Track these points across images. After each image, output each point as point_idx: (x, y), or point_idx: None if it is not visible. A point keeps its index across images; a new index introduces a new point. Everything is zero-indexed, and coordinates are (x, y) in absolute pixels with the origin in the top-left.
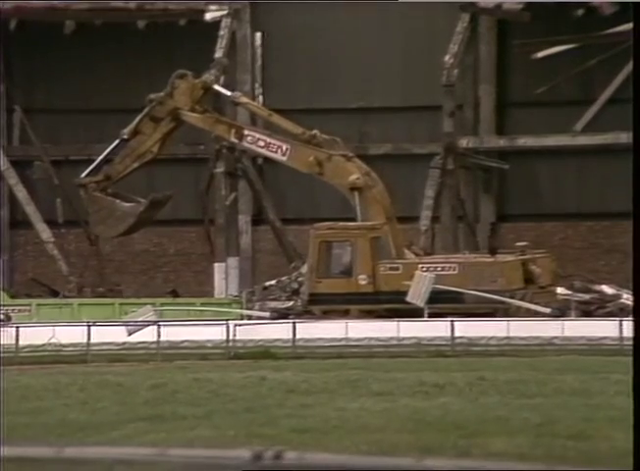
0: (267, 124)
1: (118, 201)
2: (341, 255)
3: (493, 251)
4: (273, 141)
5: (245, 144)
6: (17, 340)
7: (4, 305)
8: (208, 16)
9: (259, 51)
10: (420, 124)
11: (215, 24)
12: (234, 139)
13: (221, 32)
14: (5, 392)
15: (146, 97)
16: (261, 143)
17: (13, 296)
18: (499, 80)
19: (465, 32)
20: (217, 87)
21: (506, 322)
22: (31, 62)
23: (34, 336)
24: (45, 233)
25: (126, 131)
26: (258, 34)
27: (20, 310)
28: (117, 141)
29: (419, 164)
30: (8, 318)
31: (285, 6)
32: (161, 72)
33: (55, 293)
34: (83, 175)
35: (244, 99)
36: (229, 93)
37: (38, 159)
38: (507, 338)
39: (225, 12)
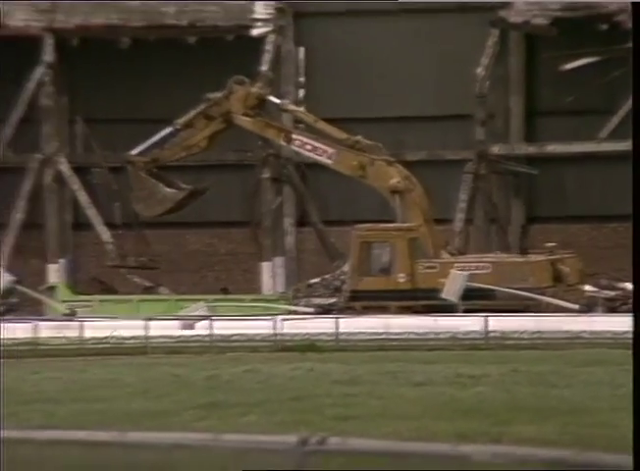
0: (313, 129)
1: (161, 185)
2: (380, 255)
3: (523, 251)
4: (319, 145)
5: (293, 147)
6: (82, 332)
7: (69, 301)
8: (255, 32)
9: (302, 64)
10: (454, 132)
11: (261, 39)
12: (282, 143)
13: (267, 47)
14: (72, 381)
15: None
16: (308, 147)
17: (77, 293)
18: (528, 91)
19: (496, 46)
20: (270, 97)
21: (536, 317)
22: (92, 76)
23: (98, 329)
24: (105, 234)
25: (179, 122)
26: (301, 49)
27: (84, 305)
28: (169, 129)
29: (453, 170)
30: (73, 313)
31: (326, 22)
32: (210, 84)
33: (114, 290)
34: (133, 153)
35: (292, 107)
36: (278, 101)
37: (98, 166)
38: (539, 332)
39: (270, 28)
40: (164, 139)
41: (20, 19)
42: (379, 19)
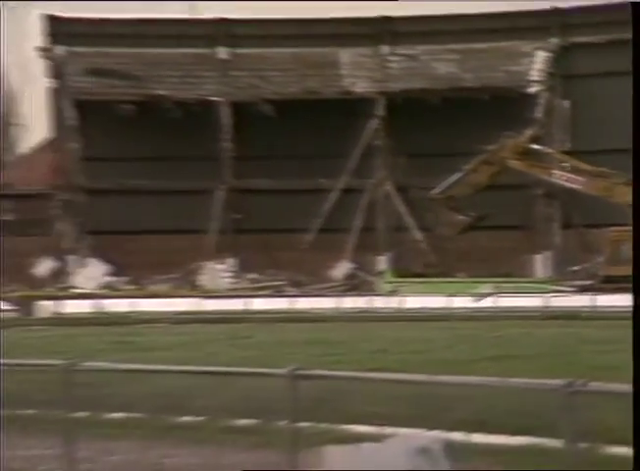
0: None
1: (455, 214)
2: (627, 249)
3: None
4: (573, 176)
5: (553, 179)
6: (402, 304)
7: (393, 282)
8: (531, 89)
9: (567, 113)
10: None
11: (535, 95)
12: (544, 177)
13: (540, 101)
14: (394, 339)
15: (483, 148)
16: (564, 178)
17: (398, 276)
18: None
19: None
20: (532, 146)
21: None
22: (410, 125)
23: (414, 302)
24: (418, 235)
25: (466, 168)
26: (567, 102)
27: (403, 285)
28: (460, 174)
29: None
30: (395, 290)
31: (586, 81)
32: (496, 127)
33: (424, 275)
34: (435, 192)
35: (550, 150)
36: (539, 147)
37: (414, 187)
38: None
39: (543, 87)
40: (456, 181)
41: (361, 86)
42: (627, 77)
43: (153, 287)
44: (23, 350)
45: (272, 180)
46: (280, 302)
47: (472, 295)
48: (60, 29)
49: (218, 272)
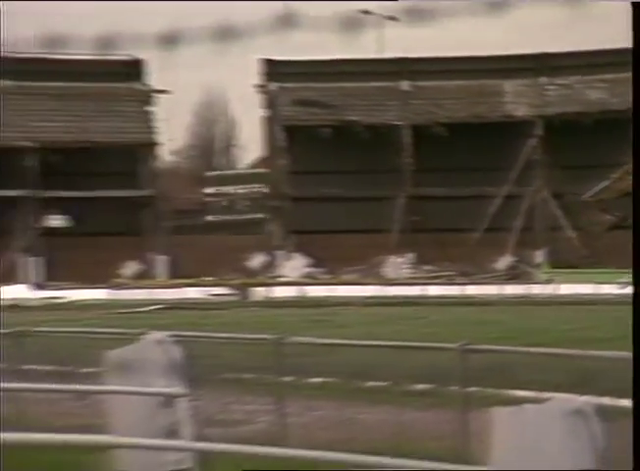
0: None
1: (603, 214)
2: None
3: None
4: None
5: None
6: (556, 291)
7: (548, 272)
8: None
9: None
10: None
11: None
12: None
13: None
14: (549, 320)
15: (628, 160)
16: None
17: (553, 267)
18: None
19: None
20: None
21: None
22: (561, 142)
23: (566, 289)
24: (570, 232)
25: (613, 176)
26: None
27: (556, 275)
28: (608, 182)
29: None
30: (550, 280)
31: None
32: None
33: (574, 266)
34: (586, 196)
35: None
36: None
37: (567, 193)
38: None
39: None
40: (605, 187)
41: (522, 111)
42: None
43: (345, 277)
44: (242, 327)
45: (445, 188)
46: (451, 289)
47: (618, 284)
48: (274, 69)
49: (398, 264)
